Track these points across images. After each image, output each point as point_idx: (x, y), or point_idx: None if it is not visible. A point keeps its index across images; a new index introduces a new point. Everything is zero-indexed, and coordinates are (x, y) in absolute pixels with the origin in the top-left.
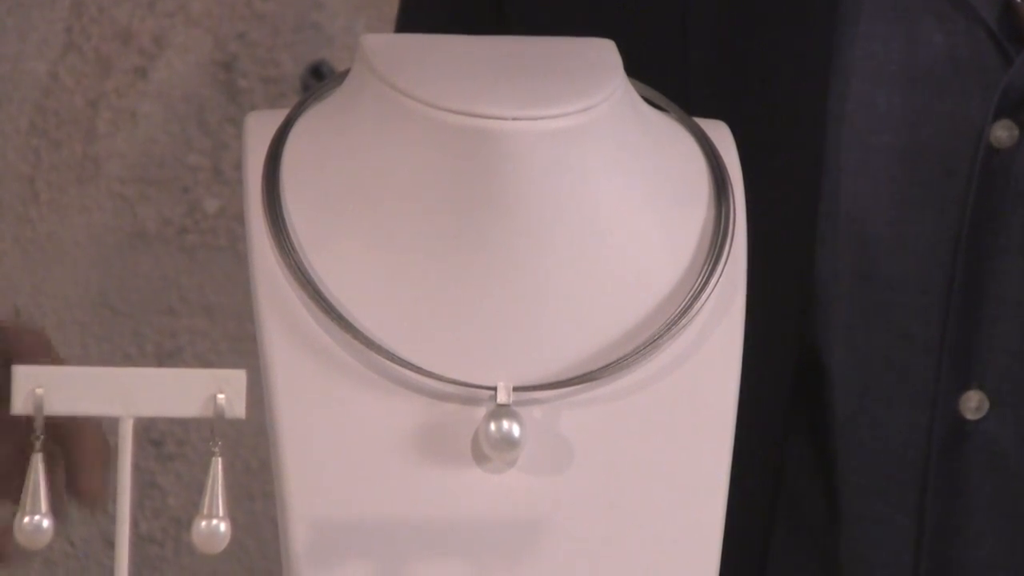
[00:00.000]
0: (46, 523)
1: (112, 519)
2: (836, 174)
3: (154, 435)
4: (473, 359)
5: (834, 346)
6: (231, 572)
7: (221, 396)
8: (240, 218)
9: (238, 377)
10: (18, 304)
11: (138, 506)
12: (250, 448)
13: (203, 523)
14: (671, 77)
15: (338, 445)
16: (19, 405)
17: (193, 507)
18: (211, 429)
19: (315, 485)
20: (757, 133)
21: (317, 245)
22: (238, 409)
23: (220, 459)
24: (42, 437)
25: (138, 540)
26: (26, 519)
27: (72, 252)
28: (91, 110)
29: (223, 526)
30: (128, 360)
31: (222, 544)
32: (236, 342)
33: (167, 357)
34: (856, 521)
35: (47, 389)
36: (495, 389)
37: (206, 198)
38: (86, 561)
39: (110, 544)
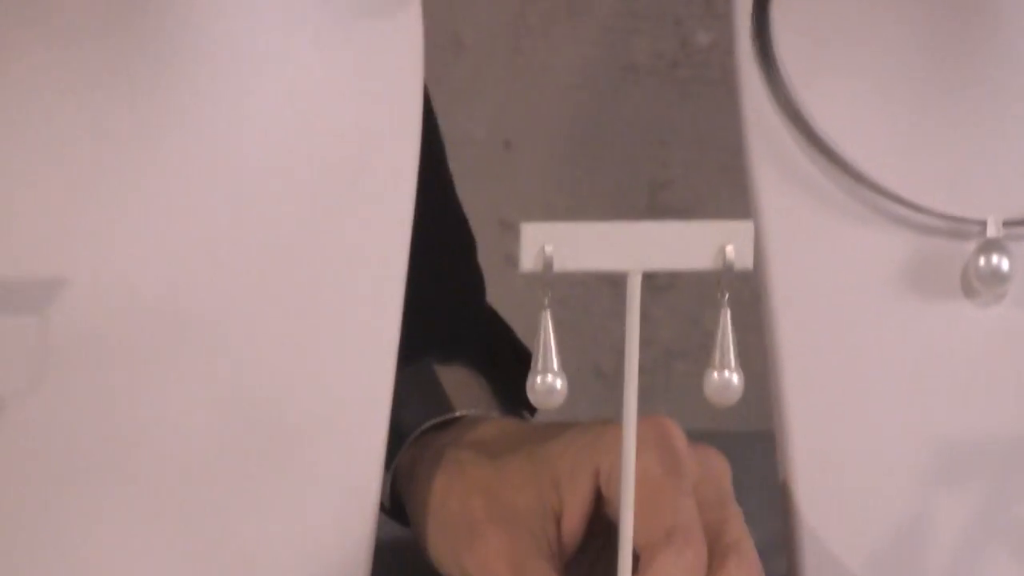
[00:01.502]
0: (559, 383)
1: (602, 350)
2: None
3: None
4: (961, 192)
5: None
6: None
7: (729, 248)
8: (731, 52)
9: (746, 229)
10: (508, 135)
11: None
12: (741, 279)
13: (715, 375)
14: None
15: (826, 277)
16: (528, 263)
17: (685, 338)
18: (718, 281)
19: (804, 315)
20: None
21: (806, 79)
22: (746, 260)
23: (729, 311)
24: (549, 295)
25: None
26: (538, 379)
27: (562, 84)
28: None
29: (736, 378)
30: (620, 190)
31: (735, 396)
32: (729, 173)
33: (659, 188)
34: None
35: (556, 246)
36: (984, 223)
37: (698, 31)
38: (575, 390)
39: (598, 375)
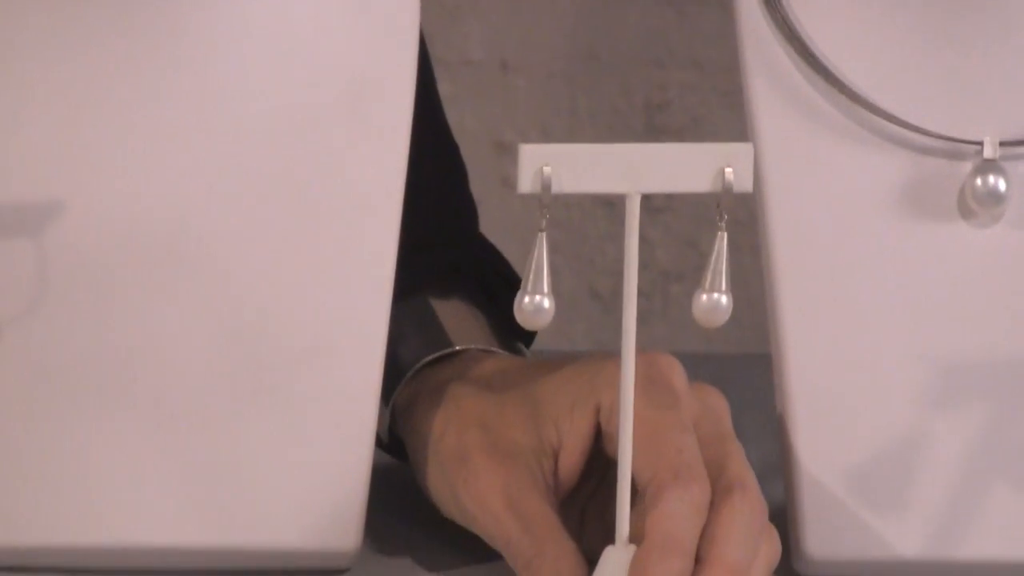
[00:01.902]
0: (547, 303)
1: (598, 272)
2: None
3: None
4: (959, 114)
5: None
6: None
7: (728, 170)
8: None
9: (746, 151)
10: (505, 57)
11: None
12: (738, 200)
13: (704, 296)
14: None
15: (823, 199)
16: (526, 184)
17: (682, 260)
18: (717, 204)
19: (800, 236)
20: None
21: None
22: (745, 183)
23: (725, 235)
24: (547, 217)
25: None
26: (527, 299)
27: (560, 4)
28: None
29: (725, 299)
30: (616, 112)
31: (723, 318)
32: (725, 95)
33: (656, 110)
34: None
35: (554, 167)
36: (981, 144)
37: None
38: (572, 313)
39: (595, 297)
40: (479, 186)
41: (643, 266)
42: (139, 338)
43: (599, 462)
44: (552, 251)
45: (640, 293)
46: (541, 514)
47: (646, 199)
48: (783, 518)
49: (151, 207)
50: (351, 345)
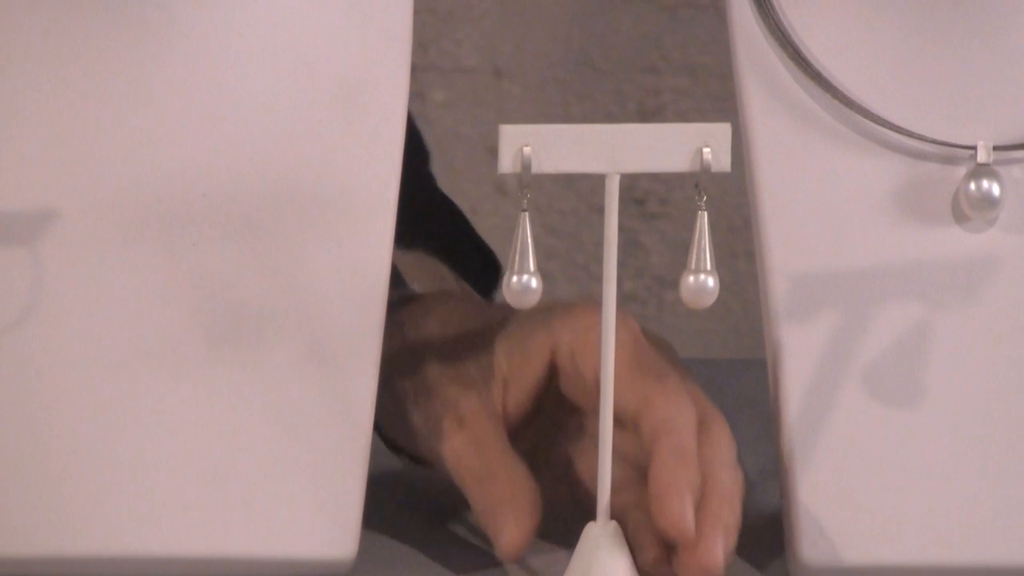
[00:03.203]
0: (535, 283)
1: (594, 279)
2: None
3: (637, 194)
4: (952, 118)
5: None
6: (714, 331)
7: (706, 150)
8: None
9: (723, 131)
10: (499, 63)
11: (621, 265)
12: (733, 206)
13: (691, 278)
14: None
15: (817, 203)
16: (507, 164)
17: (677, 266)
18: (696, 184)
19: (794, 241)
20: None
21: (796, 3)
22: (723, 162)
23: (706, 214)
24: (528, 196)
25: (621, 299)
26: (515, 279)
27: (553, 10)
28: None
29: (711, 281)
30: (610, 118)
31: (710, 299)
32: (719, 100)
33: (650, 115)
34: None
35: (534, 148)
36: (975, 148)
37: None
38: None
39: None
40: (473, 192)
41: (637, 272)
42: (132, 341)
43: (550, 400)
44: (548, 258)
45: (635, 299)
46: (492, 436)
47: (639, 204)
48: (778, 523)
49: (145, 208)
50: (345, 349)
